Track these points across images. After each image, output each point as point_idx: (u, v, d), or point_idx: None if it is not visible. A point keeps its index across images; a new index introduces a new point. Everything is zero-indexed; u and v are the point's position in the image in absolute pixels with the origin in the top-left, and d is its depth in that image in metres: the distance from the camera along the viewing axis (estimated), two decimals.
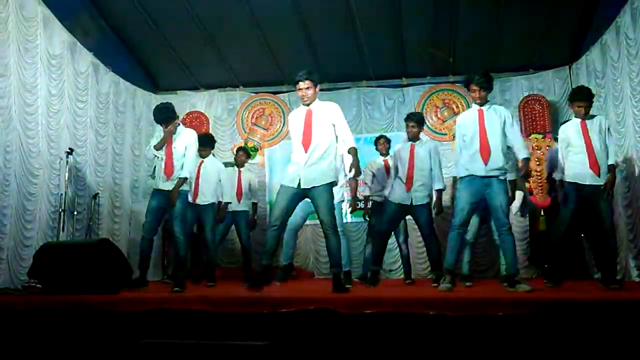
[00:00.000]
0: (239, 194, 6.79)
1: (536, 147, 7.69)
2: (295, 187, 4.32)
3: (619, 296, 3.53)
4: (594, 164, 4.64)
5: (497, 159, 4.39)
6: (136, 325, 3.17)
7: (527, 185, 7.01)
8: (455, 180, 5.53)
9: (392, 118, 8.50)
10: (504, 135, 4.45)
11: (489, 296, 3.55)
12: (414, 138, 5.73)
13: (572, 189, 4.73)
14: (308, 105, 4.49)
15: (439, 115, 8.33)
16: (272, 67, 8.27)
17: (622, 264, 6.05)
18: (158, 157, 5.02)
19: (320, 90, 8.59)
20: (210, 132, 8.61)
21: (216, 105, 8.83)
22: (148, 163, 7.14)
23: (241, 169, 6.98)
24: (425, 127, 8.16)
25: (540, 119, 7.84)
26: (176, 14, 7.07)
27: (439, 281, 5.25)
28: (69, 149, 6.05)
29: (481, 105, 4.56)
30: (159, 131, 5.07)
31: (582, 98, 4.80)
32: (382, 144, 6.48)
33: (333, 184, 4.40)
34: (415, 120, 5.76)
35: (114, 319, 3.20)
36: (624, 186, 5.96)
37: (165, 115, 5.02)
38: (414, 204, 5.56)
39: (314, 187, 4.29)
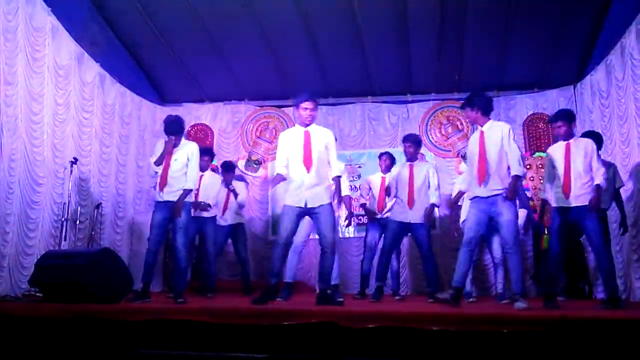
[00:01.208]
0: (228, 208, 6.84)
1: (540, 166, 7.66)
2: (302, 206, 4.43)
3: (623, 315, 3.49)
4: (567, 187, 4.57)
5: (496, 180, 4.38)
6: (136, 336, 3.14)
7: (530, 203, 7.00)
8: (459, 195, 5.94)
9: (397, 134, 8.49)
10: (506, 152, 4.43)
11: (493, 312, 3.52)
12: (411, 158, 5.86)
13: (556, 214, 4.69)
14: (307, 126, 4.56)
15: (443, 132, 8.34)
16: (277, 81, 8.31)
17: (627, 284, 6.00)
18: (157, 173, 5.06)
19: (326, 105, 8.80)
20: (214, 144, 8.69)
21: (221, 118, 8.86)
22: (152, 183, 7.22)
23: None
24: (429, 144, 8.27)
25: (544, 138, 7.83)
26: (183, 27, 7.12)
27: (434, 297, 5.24)
28: (74, 158, 6.06)
29: (482, 125, 4.57)
30: (160, 147, 5.08)
31: (557, 119, 4.77)
32: (384, 160, 6.50)
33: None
34: (412, 141, 5.88)
35: (114, 328, 3.18)
36: (629, 205, 5.93)
37: (179, 127, 5.06)
38: (412, 222, 5.63)
39: (320, 205, 4.41)
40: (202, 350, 3.06)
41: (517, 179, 4.36)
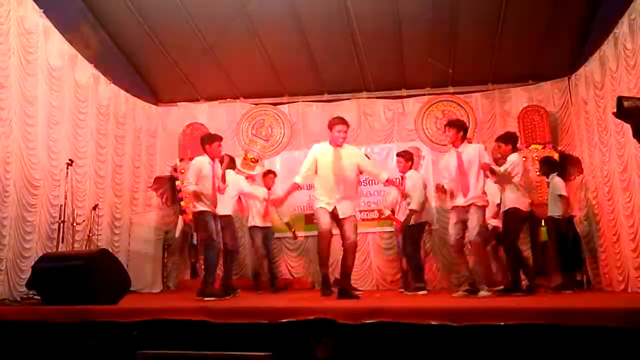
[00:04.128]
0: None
1: (536, 158, 7.67)
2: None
3: (622, 305, 3.51)
4: None
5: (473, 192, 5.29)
6: (135, 336, 3.14)
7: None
8: None
9: (392, 129, 8.51)
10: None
11: (491, 306, 3.53)
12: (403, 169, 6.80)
13: None
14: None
15: (438, 126, 8.32)
16: (272, 79, 8.31)
17: (625, 274, 6.02)
18: None
19: (320, 101, 8.79)
20: None
21: (216, 117, 8.84)
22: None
23: None
24: (425, 138, 8.28)
25: (539, 130, 7.83)
26: (177, 26, 7.11)
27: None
28: (69, 160, 6.05)
29: (458, 147, 5.51)
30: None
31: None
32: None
33: None
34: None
35: (113, 329, 3.18)
36: (625, 196, 5.95)
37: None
38: None
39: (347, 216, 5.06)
40: (202, 350, 3.07)
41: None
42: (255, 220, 7.31)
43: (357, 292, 5.74)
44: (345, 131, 5.12)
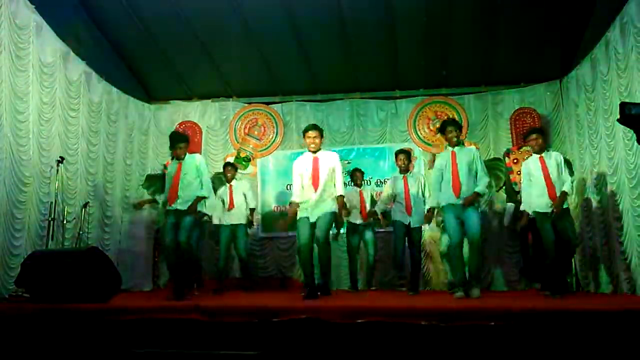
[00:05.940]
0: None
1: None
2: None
3: (610, 307, 3.53)
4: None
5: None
6: (127, 335, 3.13)
7: (518, 197, 7.03)
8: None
9: (385, 130, 8.52)
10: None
11: (480, 306, 3.54)
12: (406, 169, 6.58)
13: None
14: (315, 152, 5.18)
15: (431, 127, 8.36)
16: (265, 78, 8.29)
17: (613, 276, 6.07)
18: None
19: (313, 101, 8.78)
20: (203, 142, 8.65)
21: (209, 115, 8.82)
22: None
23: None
24: (417, 139, 8.30)
25: None
26: (170, 24, 7.07)
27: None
28: (60, 157, 6.01)
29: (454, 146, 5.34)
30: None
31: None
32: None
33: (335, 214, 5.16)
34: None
35: (104, 328, 3.16)
36: (615, 199, 5.99)
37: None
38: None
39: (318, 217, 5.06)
40: (194, 348, 3.06)
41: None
42: (219, 217, 7.02)
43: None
44: (315, 136, 5.12)
